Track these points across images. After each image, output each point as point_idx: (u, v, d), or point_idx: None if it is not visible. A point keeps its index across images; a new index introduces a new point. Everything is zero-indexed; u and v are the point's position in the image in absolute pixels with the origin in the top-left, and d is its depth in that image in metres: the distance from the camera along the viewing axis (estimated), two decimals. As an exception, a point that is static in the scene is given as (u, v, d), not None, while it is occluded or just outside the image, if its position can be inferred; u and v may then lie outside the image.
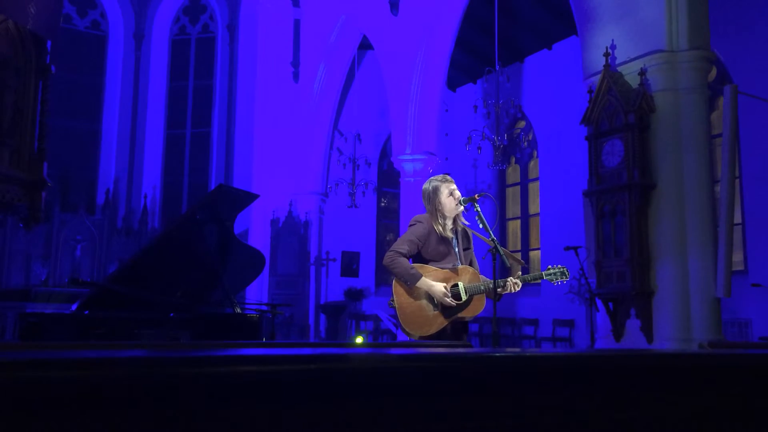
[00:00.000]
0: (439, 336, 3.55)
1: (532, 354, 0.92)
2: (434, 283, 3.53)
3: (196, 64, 15.71)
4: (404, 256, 3.57)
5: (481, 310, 3.64)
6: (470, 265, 3.76)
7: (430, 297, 3.55)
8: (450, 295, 3.53)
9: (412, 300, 3.55)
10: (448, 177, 3.76)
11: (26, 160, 4.84)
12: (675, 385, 1.05)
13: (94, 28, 15.32)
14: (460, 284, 3.59)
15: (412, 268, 3.54)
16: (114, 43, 15.36)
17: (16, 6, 4.63)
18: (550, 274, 3.70)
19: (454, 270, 3.62)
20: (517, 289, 3.63)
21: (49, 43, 5.08)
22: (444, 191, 3.66)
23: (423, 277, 3.52)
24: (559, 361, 0.95)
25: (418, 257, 3.65)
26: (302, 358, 0.75)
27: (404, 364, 0.82)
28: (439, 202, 3.66)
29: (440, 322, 3.56)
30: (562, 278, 3.69)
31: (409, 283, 3.52)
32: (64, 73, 12.78)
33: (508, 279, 3.60)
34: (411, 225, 3.72)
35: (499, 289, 3.57)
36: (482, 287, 3.58)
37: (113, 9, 15.37)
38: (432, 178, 3.79)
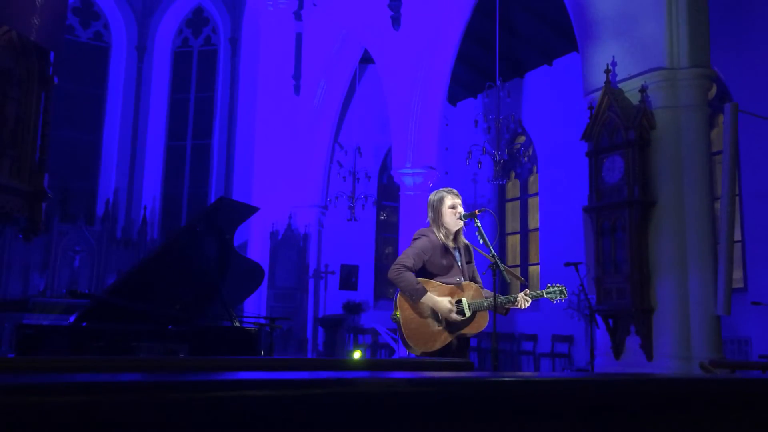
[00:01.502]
0: (443, 352, 3.54)
1: (541, 379, 0.91)
2: (439, 299, 3.53)
3: (197, 76, 15.76)
4: (409, 269, 3.57)
5: (485, 326, 3.65)
6: (472, 279, 3.78)
7: (434, 312, 3.55)
8: (455, 310, 3.54)
9: (416, 315, 3.54)
10: (455, 191, 3.79)
11: (27, 171, 4.84)
12: (681, 412, 1.04)
13: (96, 39, 15.38)
14: (464, 300, 3.59)
15: (418, 282, 3.54)
16: (116, 55, 15.41)
17: (20, 17, 4.64)
18: (549, 293, 3.77)
19: (458, 286, 3.63)
20: (527, 305, 3.68)
21: (52, 55, 5.09)
22: (447, 203, 3.70)
23: (428, 293, 3.52)
24: (565, 386, 0.94)
25: (423, 271, 3.65)
26: (306, 382, 0.74)
27: (410, 389, 0.81)
28: (441, 213, 3.68)
29: (444, 338, 3.56)
30: (560, 297, 3.78)
31: (414, 297, 3.51)
32: (66, 84, 12.80)
33: (519, 295, 3.65)
34: (415, 239, 3.72)
35: (508, 305, 3.63)
36: (485, 303, 3.59)
37: (116, 21, 15.44)
38: (440, 189, 3.82)
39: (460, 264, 3.71)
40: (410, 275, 3.54)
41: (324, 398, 0.74)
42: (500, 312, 3.61)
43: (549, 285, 3.82)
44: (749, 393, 1.15)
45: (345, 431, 0.76)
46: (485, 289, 3.77)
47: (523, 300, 3.65)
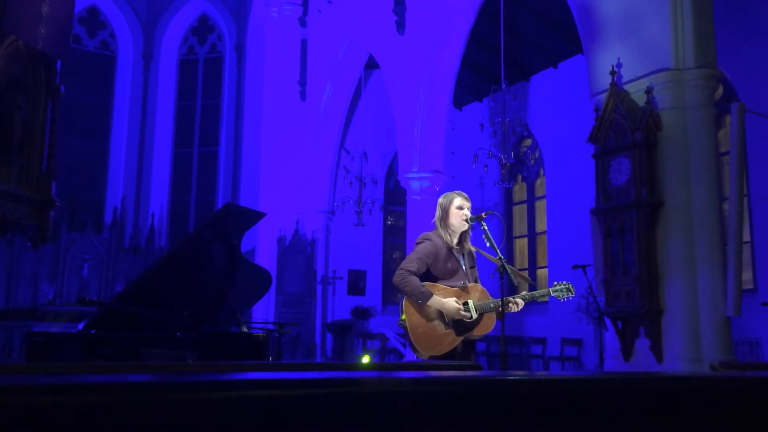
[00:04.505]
0: (449, 355, 3.53)
1: (547, 377, 0.91)
2: (446, 300, 3.52)
3: (203, 83, 15.83)
4: (414, 274, 3.55)
5: (492, 327, 3.63)
6: (476, 283, 3.76)
7: (441, 316, 3.53)
8: (463, 309, 3.52)
9: (423, 319, 3.53)
10: (465, 195, 3.79)
11: (35, 180, 4.86)
12: (692, 411, 1.03)
13: (103, 48, 15.47)
14: (470, 302, 3.57)
15: (423, 286, 3.52)
16: (123, 63, 15.50)
17: (26, 27, 4.68)
18: (556, 291, 3.75)
19: (464, 288, 3.62)
20: (518, 308, 3.64)
21: (58, 64, 5.12)
22: (456, 202, 3.69)
23: (434, 295, 3.51)
24: (575, 384, 0.94)
25: (427, 275, 3.63)
26: (312, 382, 0.74)
27: (417, 389, 0.80)
28: (449, 213, 3.68)
29: (451, 341, 3.54)
30: (568, 294, 3.75)
31: (421, 301, 3.49)
32: (73, 93, 12.89)
33: (510, 297, 3.60)
34: (418, 243, 3.71)
35: (503, 308, 3.59)
36: (492, 305, 3.58)
37: (122, 29, 15.53)
38: (450, 192, 3.82)
39: (464, 267, 3.70)
40: (415, 279, 3.53)
41: (330, 398, 0.74)
42: (498, 317, 3.59)
43: (555, 283, 3.80)
44: (760, 391, 1.14)
45: (351, 431, 0.76)
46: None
47: (513, 303, 3.61)
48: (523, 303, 3.66)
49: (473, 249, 3.82)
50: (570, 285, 3.80)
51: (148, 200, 14.99)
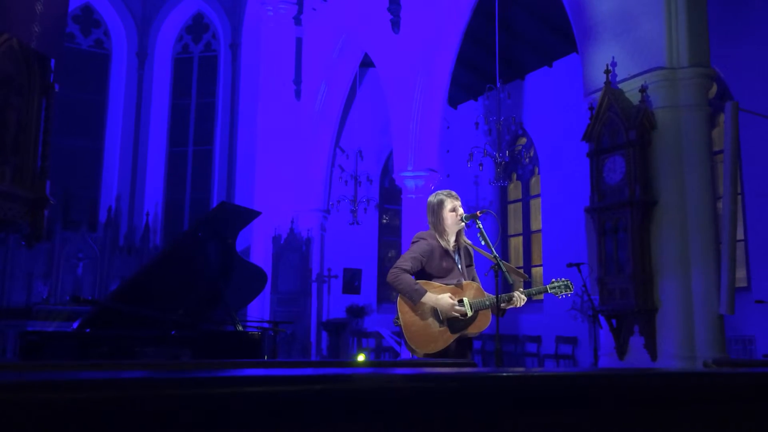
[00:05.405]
0: (444, 353, 3.53)
1: (541, 374, 0.91)
2: (440, 296, 3.51)
3: (198, 82, 15.80)
4: (408, 272, 3.55)
5: (487, 325, 3.63)
6: (473, 281, 3.76)
7: (435, 313, 3.54)
8: (457, 304, 3.52)
9: (417, 317, 3.53)
10: (454, 193, 3.77)
11: (29, 178, 4.85)
12: (681, 405, 1.04)
13: (97, 46, 15.42)
14: (465, 300, 3.57)
15: (416, 284, 3.52)
16: (117, 62, 15.46)
17: (20, 25, 4.66)
18: (554, 288, 3.74)
19: (459, 285, 3.61)
20: (523, 303, 3.64)
21: (52, 62, 5.11)
22: (447, 206, 3.68)
23: (428, 292, 3.50)
24: (566, 381, 0.94)
25: (423, 274, 3.63)
26: (305, 378, 0.74)
27: (409, 385, 0.81)
28: (442, 217, 3.67)
29: (446, 339, 3.54)
30: (566, 291, 3.73)
31: (414, 299, 3.49)
32: (68, 92, 12.82)
33: (514, 293, 3.60)
34: (414, 242, 3.72)
35: (503, 304, 3.58)
36: (487, 302, 3.57)
37: (117, 28, 15.49)
38: (438, 191, 3.81)
39: (460, 266, 3.69)
40: (408, 277, 3.53)
41: (323, 394, 0.75)
42: (497, 314, 3.59)
43: (553, 280, 3.78)
44: (752, 387, 1.15)
45: (343, 427, 0.77)
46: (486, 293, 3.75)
47: (519, 298, 3.60)
48: (526, 298, 3.66)
49: (470, 245, 3.81)
50: (569, 282, 3.77)
51: (142, 199, 14.95)
